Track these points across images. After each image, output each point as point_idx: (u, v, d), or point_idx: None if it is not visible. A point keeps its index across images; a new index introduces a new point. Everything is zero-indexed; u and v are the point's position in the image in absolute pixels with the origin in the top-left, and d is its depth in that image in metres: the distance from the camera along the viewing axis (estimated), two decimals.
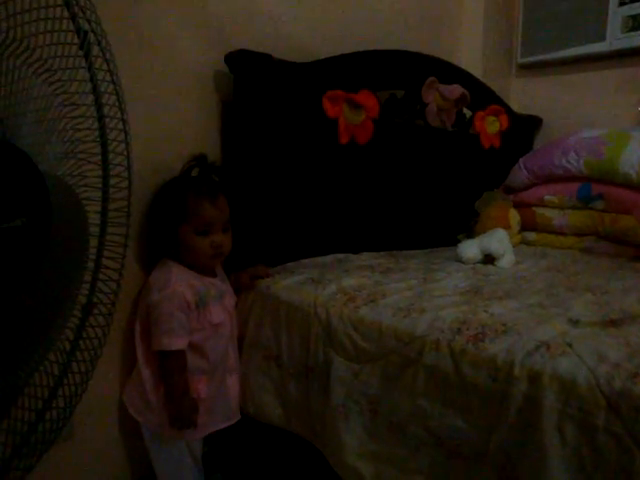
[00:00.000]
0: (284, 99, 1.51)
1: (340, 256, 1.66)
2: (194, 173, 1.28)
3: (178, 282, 1.18)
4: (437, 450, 0.98)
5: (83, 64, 0.64)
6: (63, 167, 0.64)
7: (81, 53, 0.63)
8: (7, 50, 0.57)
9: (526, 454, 0.86)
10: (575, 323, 1.00)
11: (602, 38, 2.11)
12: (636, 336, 0.94)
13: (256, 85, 1.44)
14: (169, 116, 1.37)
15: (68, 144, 0.65)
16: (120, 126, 0.68)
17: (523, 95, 2.44)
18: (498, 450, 0.89)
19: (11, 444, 0.73)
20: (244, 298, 1.39)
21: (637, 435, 0.76)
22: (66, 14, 0.60)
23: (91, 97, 0.66)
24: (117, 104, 0.68)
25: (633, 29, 2.06)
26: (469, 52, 2.30)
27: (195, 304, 1.19)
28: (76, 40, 0.62)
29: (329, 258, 1.63)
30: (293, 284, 1.33)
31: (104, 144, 0.69)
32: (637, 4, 2.03)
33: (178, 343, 1.15)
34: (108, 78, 0.66)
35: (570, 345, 0.90)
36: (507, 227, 1.92)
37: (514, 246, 1.92)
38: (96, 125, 0.68)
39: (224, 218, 1.24)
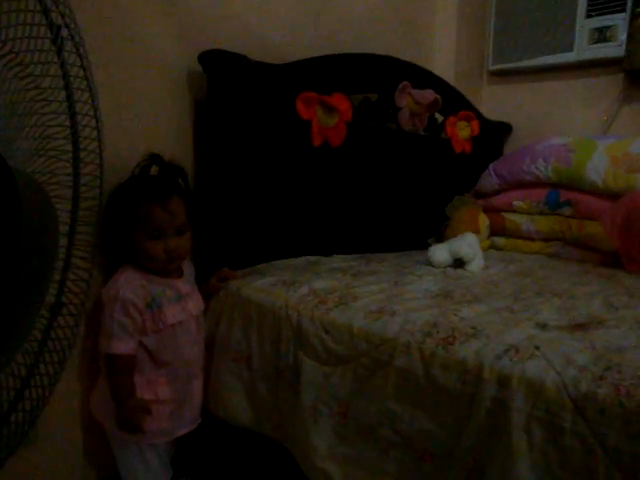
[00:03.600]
0: (258, 100, 1.50)
1: (312, 258, 1.66)
2: (152, 172, 1.25)
3: (124, 285, 1.16)
4: (406, 452, 0.99)
5: (56, 59, 0.61)
6: (33, 164, 0.62)
7: (54, 48, 0.61)
8: None
9: (494, 456, 0.87)
10: (543, 327, 1.02)
11: (570, 49, 2.17)
12: (601, 340, 0.96)
13: (230, 85, 1.42)
14: (140, 114, 1.35)
15: (39, 140, 0.63)
16: (93, 124, 0.66)
17: (493, 101, 2.49)
18: (467, 452, 0.90)
19: None
20: (215, 300, 1.38)
21: (601, 436, 0.78)
22: (39, 7, 0.58)
23: (63, 93, 0.64)
24: (90, 101, 0.66)
25: (599, 41, 2.11)
26: (442, 57, 2.33)
27: (146, 305, 1.17)
28: (49, 34, 0.60)
29: (300, 260, 1.62)
30: (264, 285, 1.32)
31: (75, 142, 0.67)
32: (602, 17, 2.09)
33: (117, 347, 1.13)
34: (81, 74, 0.64)
35: (538, 349, 0.92)
36: (477, 232, 1.95)
37: (483, 251, 1.95)
38: (68, 122, 0.66)
39: (178, 221, 1.20)
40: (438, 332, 1.01)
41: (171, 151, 1.31)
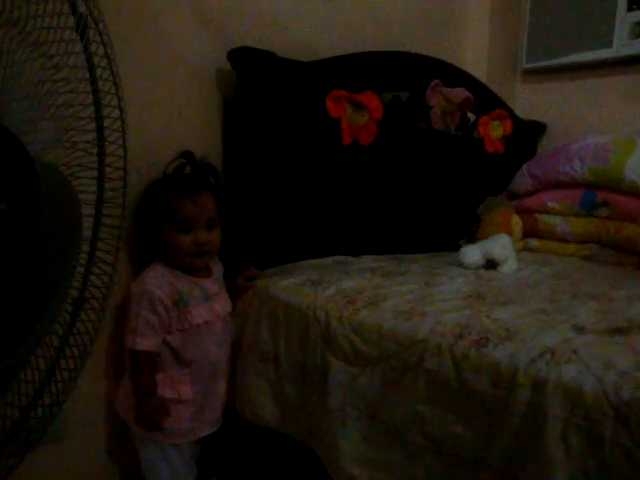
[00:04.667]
0: (287, 98, 1.49)
1: (340, 258, 1.63)
2: (186, 170, 1.25)
3: (152, 280, 1.17)
4: (435, 457, 0.96)
5: (78, 48, 0.61)
6: (57, 155, 0.62)
7: (77, 37, 0.61)
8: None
9: (529, 464, 0.84)
10: (580, 330, 0.98)
11: (609, 44, 2.09)
12: None
13: (259, 83, 1.41)
14: (170, 112, 1.35)
15: (63, 131, 0.63)
16: (115, 114, 0.65)
17: (527, 100, 2.42)
18: (499, 459, 0.87)
19: None
20: (242, 300, 1.37)
21: None
22: None
23: (83, 84, 0.63)
24: (114, 90, 0.65)
25: None
26: (474, 56, 2.28)
27: (173, 303, 1.17)
28: (73, 22, 0.60)
29: (329, 260, 1.61)
30: (292, 285, 1.31)
31: (100, 133, 0.66)
32: None
33: (142, 343, 1.13)
34: (104, 64, 0.63)
35: (576, 352, 0.88)
36: (510, 233, 1.89)
37: (516, 252, 1.90)
38: (92, 111, 0.65)
39: (208, 215, 1.21)
40: (470, 334, 0.98)
41: (200, 149, 1.31)
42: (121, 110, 0.67)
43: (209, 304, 1.24)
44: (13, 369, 0.66)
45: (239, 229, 1.45)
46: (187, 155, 1.24)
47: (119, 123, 0.66)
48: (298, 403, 1.22)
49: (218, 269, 1.34)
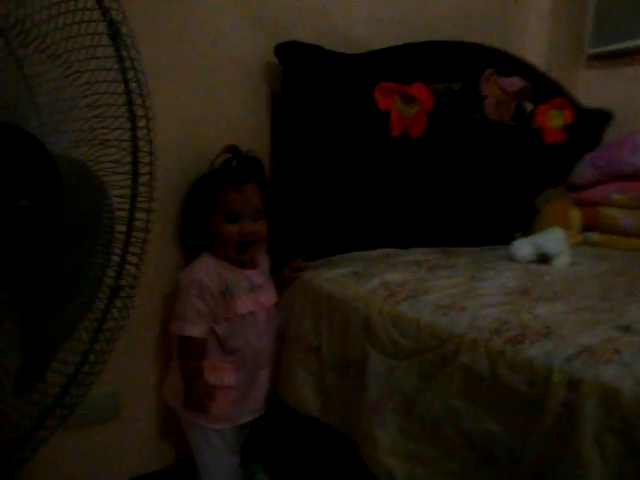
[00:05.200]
0: (335, 91, 1.49)
1: (389, 251, 1.63)
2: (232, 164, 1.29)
3: (201, 269, 1.21)
4: (469, 454, 0.95)
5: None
6: (90, 152, 0.66)
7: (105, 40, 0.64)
8: (20, 38, 0.59)
9: (562, 465, 0.81)
10: (626, 329, 0.94)
11: None
12: None
13: (306, 77, 1.43)
14: (218, 107, 1.39)
15: (91, 130, 0.67)
16: (142, 112, 0.69)
17: (593, 87, 2.31)
18: (533, 458, 0.85)
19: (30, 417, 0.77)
20: (288, 291, 1.40)
21: None
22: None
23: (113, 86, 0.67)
24: (137, 89, 0.69)
25: None
26: (535, 42, 2.19)
27: (220, 292, 1.20)
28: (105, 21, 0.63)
29: (378, 253, 1.61)
30: (336, 276, 1.32)
31: (134, 132, 0.70)
32: None
33: (190, 330, 1.17)
34: (128, 64, 0.67)
35: (618, 352, 0.84)
36: (568, 226, 1.84)
37: (575, 246, 1.83)
38: (123, 110, 0.69)
39: (254, 206, 1.24)
40: (508, 330, 0.96)
41: (248, 143, 1.34)
42: (147, 109, 0.70)
43: (254, 295, 1.27)
44: (49, 350, 0.72)
45: (288, 222, 1.48)
46: (232, 149, 1.27)
47: (144, 121, 0.70)
48: (338, 393, 1.23)
49: (264, 260, 1.37)
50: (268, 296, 1.32)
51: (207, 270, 1.22)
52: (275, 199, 1.44)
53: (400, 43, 1.61)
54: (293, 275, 1.40)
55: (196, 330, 1.18)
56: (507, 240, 1.63)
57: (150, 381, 1.38)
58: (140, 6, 1.21)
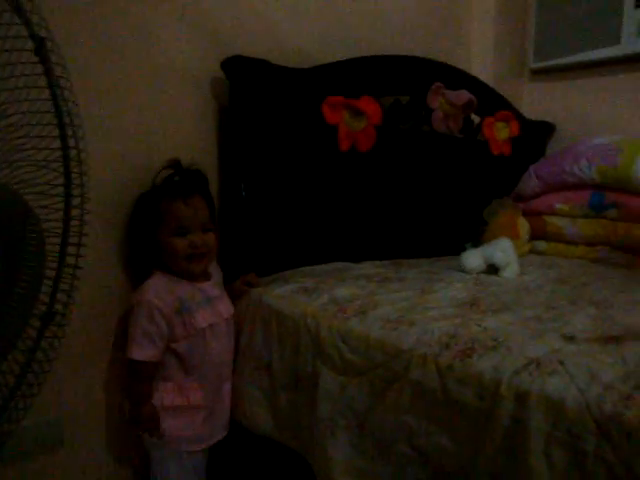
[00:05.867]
0: (282, 105, 1.48)
1: (340, 265, 1.62)
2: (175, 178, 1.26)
3: (151, 290, 1.18)
4: (423, 469, 0.94)
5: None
6: (15, 175, 0.63)
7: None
8: None
9: (513, 477, 0.82)
10: (570, 339, 0.96)
11: (617, 41, 2.05)
12: (637, 355, 0.89)
13: (253, 91, 1.42)
14: (164, 121, 1.36)
15: (16, 152, 0.64)
16: (70, 132, 0.66)
17: (536, 100, 2.38)
18: (485, 471, 0.85)
19: None
20: (238, 306, 1.37)
21: (629, 463, 0.71)
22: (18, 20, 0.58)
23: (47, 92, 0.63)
24: (65, 107, 0.65)
25: None
26: (479, 56, 2.25)
27: (175, 311, 1.17)
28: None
29: (329, 267, 1.59)
30: (285, 293, 1.30)
31: (65, 154, 0.66)
32: None
33: (138, 353, 1.14)
34: (55, 82, 0.64)
35: (562, 363, 0.85)
36: (516, 236, 1.87)
37: (523, 256, 1.87)
38: (49, 129, 0.66)
39: (202, 218, 1.22)
40: (457, 344, 0.96)
41: (196, 157, 1.32)
42: (75, 127, 0.67)
43: (212, 306, 1.25)
44: None
45: (238, 236, 1.45)
46: (175, 164, 1.25)
47: (73, 141, 0.66)
48: (291, 411, 1.21)
49: (217, 272, 1.34)
50: (226, 306, 1.30)
51: (158, 290, 1.18)
52: (225, 213, 1.42)
53: (347, 57, 1.62)
54: (244, 288, 1.37)
55: (144, 353, 1.15)
56: (457, 251, 1.65)
57: (97, 405, 1.33)
58: (81, 20, 1.18)
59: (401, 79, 1.78)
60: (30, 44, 0.60)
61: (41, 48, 0.60)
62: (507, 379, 0.85)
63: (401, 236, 1.86)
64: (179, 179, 1.25)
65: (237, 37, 1.48)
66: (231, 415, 1.33)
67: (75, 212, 0.71)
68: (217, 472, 1.39)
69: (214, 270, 1.33)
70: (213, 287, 1.28)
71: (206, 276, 1.28)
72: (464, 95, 1.86)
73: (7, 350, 0.68)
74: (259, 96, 1.43)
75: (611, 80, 2.15)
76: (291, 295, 1.29)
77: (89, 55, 1.20)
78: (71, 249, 0.72)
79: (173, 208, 1.19)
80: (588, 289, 1.40)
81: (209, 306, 1.24)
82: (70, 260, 0.73)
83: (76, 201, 0.70)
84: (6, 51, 0.59)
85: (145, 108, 1.32)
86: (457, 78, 1.92)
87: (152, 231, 1.20)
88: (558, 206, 1.97)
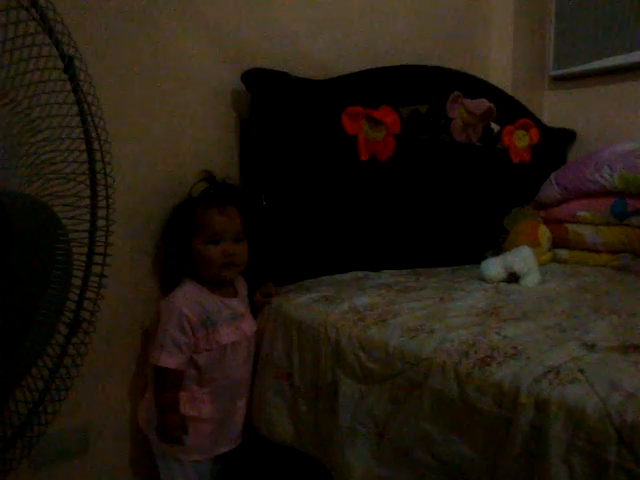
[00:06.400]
0: (302, 116, 1.51)
1: (359, 274, 1.63)
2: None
3: (181, 299, 1.19)
4: (443, 477, 0.94)
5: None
6: (48, 187, 0.65)
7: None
8: None
9: None
10: (591, 347, 0.95)
11: (637, 47, 2.03)
12: None
13: (273, 103, 1.44)
14: (187, 133, 1.39)
15: (50, 166, 0.66)
16: (96, 146, 0.69)
17: (556, 108, 2.37)
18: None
19: None
20: (259, 317, 1.39)
21: None
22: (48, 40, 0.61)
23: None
24: (91, 121, 0.68)
25: None
26: (498, 65, 2.25)
27: (201, 323, 1.19)
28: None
29: (348, 276, 1.61)
30: (305, 302, 1.32)
31: (92, 167, 0.69)
32: None
33: (167, 360, 1.15)
34: (82, 98, 0.66)
35: (582, 371, 0.85)
36: (537, 244, 1.86)
37: (544, 264, 1.86)
38: (78, 144, 0.69)
39: (235, 228, 1.25)
40: (476, 352, 0.96)
41: (216, 169, 1.34)
42: (100, 141, 0.69)
43: (236, 324, 1.26)
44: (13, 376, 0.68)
45: (259, 246, 1.47)
46: (210, 178, 1.29)
47: (99, 154, 0.69)
48: (311, 420, 1.22)
49: (243, 288, 1.36)
50: (249, 325, 1.31)
51: (188, 299, 1.20)
52: (245, 223, 1.44)
53: (365, 68, 1.63)
54: (264, 300, 1.39)
55: (173, 361, 1.16)
56: (477, 260, 1.65)
57: (120, 413, 1.35)
58: (105, 36, 1.22)
59: (420, 89, 1.79)
60: (59, 63, 0.63)
61: (69, 66, 0.63)
62: (526, 387, 0.84)
63: (421, 245, 1.86)
64: (215, 191, 1.28)
65: (257, 49, 1.50)
66: (249, 423, 1.34)
67: (101, 223, 0.73)
68: None
69: (240, 286, 1.35)
70: (240, 303, 1.30)
71: (233, 292, 1.31)
72: (483, 104, 1.87)
73: (37, 356, 0.70)
74: (279, 107, 1.45)
75: (632, 86, 2.14)
76: (311, 304, 1.30)
77: (115, 70, 1.24)
78: (97, 258, 0.75)
79: (208, 216, 1.22)
80: (610, 297, 1.39)
81: (234, 323, 1.25)
82: (96, 269, 0.76)
83: (102, 212, 0.72)
84: (38, 70, 0.62)
85: (168, 120, 1.36)
86: (476, 86, 1.93)
87: (186, 239, 1.23)
88: (580, 213, 1.95)
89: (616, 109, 2.19)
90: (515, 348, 0.96)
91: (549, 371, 0.86)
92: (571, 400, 0.79)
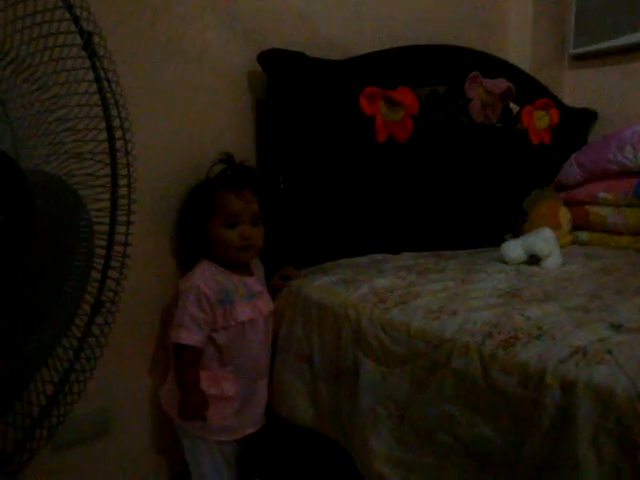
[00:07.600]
0: (319, 97, 1.49)
1: (378, 256, 1.62)
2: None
3: (200, 277, 1.20)
4: (466, 460, 0.93)
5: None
6: (63, 165, 0.65)
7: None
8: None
9: (559, 468, 0.80)
10: (617, 328, 0.93)
11: None
12: None
13: (289, 84, 1.42)
14: (203, 117, 1.38)
15: (68, 144, 0.66)
16: (117, 123, 0.68)
17: (577, 87, 2.32)
18: (529, 462, 0.84)
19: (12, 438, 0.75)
20: (278, 299, 1.38)
21: None
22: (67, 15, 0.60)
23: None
24: (112, 99, 0.67)
25: None
26: (517, 44, 2.20)
27: (218, 300, 1.19)
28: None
29: (366, 259, 1.59)
30: (325, 284, 1.31)
31: (111, 142, 0.68)
32: None
33: (186, 337, 1.15)
34: (102, 74, 0.66)
35: (610, 352, 0.83)
36: (557, 226, 1.84)
37: (565, 246, 1.84)
38: (97, 121, 0.68)
39: (252, 211, 1.25)
40: (500, 333, 0.95)
41: (234, 151, 1.33)
42: (122, 119, 0.69)
43: (253, 302, 1.26)
44: (26, 371, 0.70)
45: (276, 229, 1.46)
46: (228, 159, 1.28)
47: (120, 132, 0.68)
48: (332, 402, 1.22)
49: (259, 268, 1.36)
50: (266, 303, 1.31)
51: (206, 278, 1.21)
52: (263, 206, 1.44)
53: (383, 48, 1.61)
54: (282, 283, 1.39)
55: (192, 338, 1.16)
56: (497, 242, 1.63)
57: (141, 395, 1.36)
58: (121, 18, 1.21)
59: (438, 69, 1.76)
60: (78, 39, 0.63)
61: (89, 43, 0.62)
62: (552, 368, 0.83)
63: (440, 227, 1.85)
64: (232, 173, 1.28)
65: (272, 30, 1.49)
66: (270, 406, 1.34)
67: (122, 202, 0.73)
68: (253, 463, 1.41)
69: (256, 266, 1.35)
70: (256, 282, 1.30)
71: (249, 271, 1.31)
72: (502, 83, 1.83)
73: (61, 334, 0.71)
74: (296, 89, 1.43)
75: None
76: (331, 286, 1.30)
77: (132, 49, 1.23)
78: (119, 238, 0.75)
79: (225, 199, 1.22)
80: (635, 279, 1.36)
81: (251, 301, 1.26)
82: (119, 248, 0.75)
83: (123, 191, 0.72)
84: (57, 46, 0.61)
85: (185, 102, 1.35)
86: (495, 66, 1.89)
87: (203, 222, 1.23)
88: (601, 195, 1.92)
89: (637, 88, 2.14)
90: (540, 329, 0.95)
91: (575, 352, 0.85)
92: (599, 381, 0.78)
